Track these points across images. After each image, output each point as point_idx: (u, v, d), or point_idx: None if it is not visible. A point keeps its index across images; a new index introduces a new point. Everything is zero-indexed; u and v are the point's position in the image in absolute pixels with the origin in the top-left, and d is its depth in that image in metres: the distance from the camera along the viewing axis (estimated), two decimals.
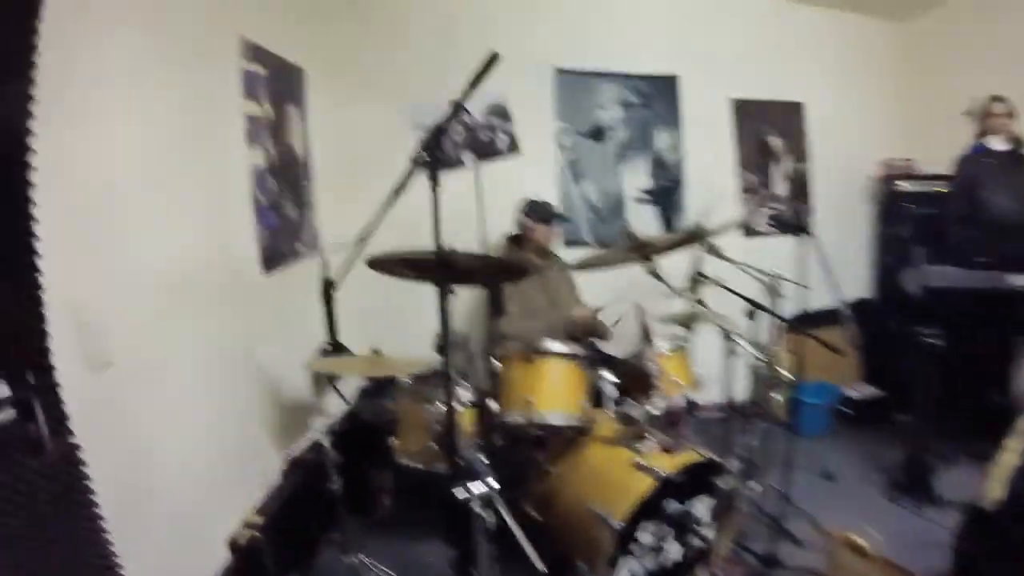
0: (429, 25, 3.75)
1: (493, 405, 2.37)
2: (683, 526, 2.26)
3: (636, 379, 2.54)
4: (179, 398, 2.06)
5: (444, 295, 1.76)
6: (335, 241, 2.62)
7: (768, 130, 4.10)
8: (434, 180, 1.61)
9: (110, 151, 1.79)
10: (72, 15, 1.58)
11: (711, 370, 2.81)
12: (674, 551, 2.28)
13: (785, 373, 2.87)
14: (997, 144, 3.40)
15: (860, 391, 3.95)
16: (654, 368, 2.49)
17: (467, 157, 3.72)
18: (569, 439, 2.48)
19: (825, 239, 2.94)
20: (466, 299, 3.61)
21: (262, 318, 2.75)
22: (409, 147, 3.53)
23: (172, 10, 2.13)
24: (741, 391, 3.05)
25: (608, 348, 2.81)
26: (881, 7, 4.27)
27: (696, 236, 2.87)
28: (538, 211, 3.32)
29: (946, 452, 3.12)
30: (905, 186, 4.09)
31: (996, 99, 3.40)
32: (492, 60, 1.52)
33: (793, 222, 3.83)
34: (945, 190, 3.74)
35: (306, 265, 3.18)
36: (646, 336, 2.57)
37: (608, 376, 2.46)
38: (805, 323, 2.88)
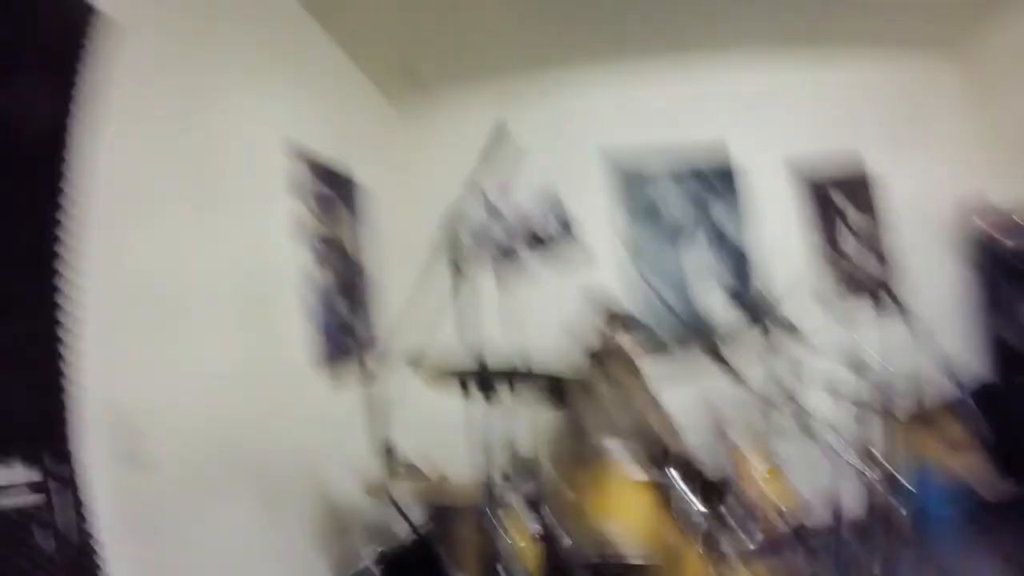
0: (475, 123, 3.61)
1: (565, 538, 1.95)
2: None
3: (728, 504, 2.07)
4: (224, 512, 1.92)
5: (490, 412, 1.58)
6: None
7: (831, 187, 3.69)
8: (457, 273, 1.55)
9: (159, 249, 1.75)
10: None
11: (818, 486, 2.33)
12: None
13: (903, 480, 2.33)
14: None
15: (994, 489, 3.28)
16: (750, 493, 2.02)
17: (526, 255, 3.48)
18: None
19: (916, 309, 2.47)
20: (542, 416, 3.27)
21: (319, 429, 2.58)
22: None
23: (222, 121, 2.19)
24: (855, 506, 2.49)
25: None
26: (922, 34, 3.73)
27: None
28: (619, 320, 2.92)
29: None
30: (1008, 243, 3.46)
31: None
32: (500, 132, 1.54)
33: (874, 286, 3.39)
34: None
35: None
36: (734, 455, 2.11)
37: (695, 503, 1.98)
38: (919, 418, 2.39)
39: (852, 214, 3.72)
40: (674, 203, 3.61)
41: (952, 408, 2.74)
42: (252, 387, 2.13)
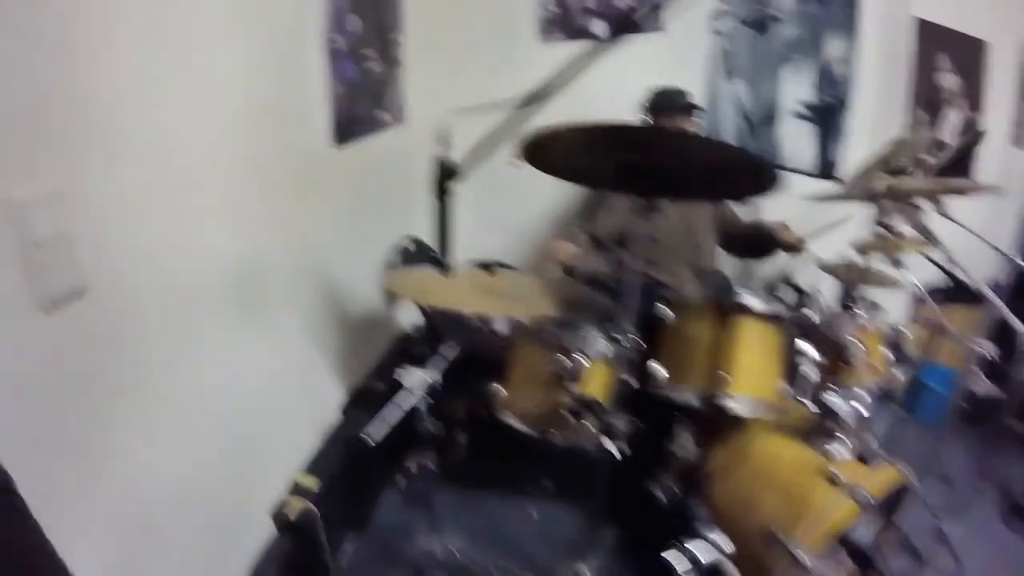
0: None
1: (659, 371, 1.74)
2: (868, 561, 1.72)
3: (831, 357, 1.94)
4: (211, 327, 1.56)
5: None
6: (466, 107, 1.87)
7: (947, 65, 3.33)
8: None
9: None
10: None
11: None
12: None
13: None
14: None
15: (981, 387, 3.40)
16: (855, 345, 1.87)
17: (599, 27, 2.91)
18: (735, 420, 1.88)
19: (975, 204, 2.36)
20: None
21: (329, 210, 2.15)
22: (528, 4, 2.84)
23: None
24: None
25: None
26: None
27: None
28: (666, 101, 2.55)
29: None
30: None
31: None
32: None
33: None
34: None
35: (390, 139, 2.51)
36: (848, 298, 1.93)
37: (808, 351, 1.82)
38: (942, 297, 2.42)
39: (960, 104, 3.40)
40: (787, 18, 3.09)
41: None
42: (248, 159, 1.70)
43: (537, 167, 1.49)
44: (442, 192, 1.57)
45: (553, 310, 1.68)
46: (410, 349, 2.66)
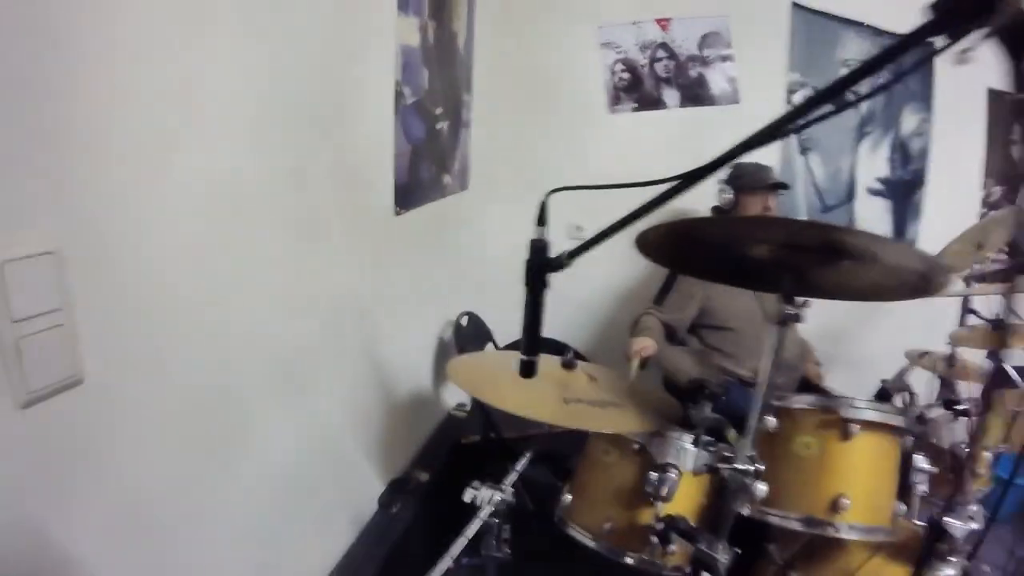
0: None
1: (760, 489, 1.58)
2: None
3: (941, 468, 1.80)
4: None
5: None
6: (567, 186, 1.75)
7: (1020, 135, 3.22)
8: None
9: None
10: None
11: None
12: None
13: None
14: None
15: None
16: (966, 453, 1.73)
17: (670, 96, 2.85)
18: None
19: None
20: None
21: (383, 280, 2.05)
22: (597, 71, 2.79)
23: None
24: None
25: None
26: None
27: None
28: (751, 178, 2.46)
29: None
30: None
31: None
32: None
33: None
34: None
35: (450, 206, 2.44)
36: (950, 397, 1.80)
37: (923, 465, 1.68)
38: None
39: None
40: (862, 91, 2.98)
41: None
42: (299, 220, 1.55)
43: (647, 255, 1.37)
44: (538, 283, 1.42)
45: (640, 424, 1.56)
46: (461, 440, 2.55)
